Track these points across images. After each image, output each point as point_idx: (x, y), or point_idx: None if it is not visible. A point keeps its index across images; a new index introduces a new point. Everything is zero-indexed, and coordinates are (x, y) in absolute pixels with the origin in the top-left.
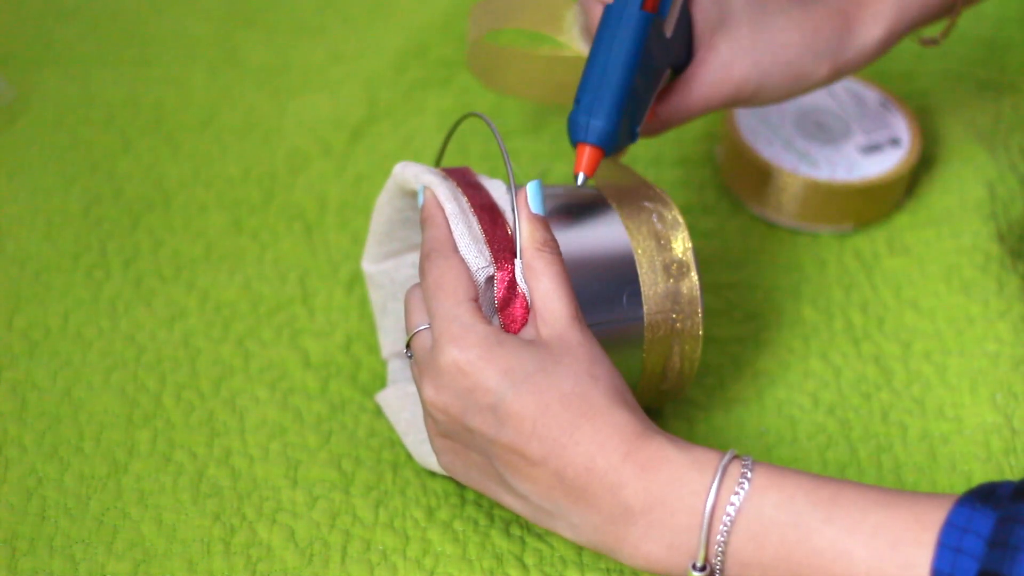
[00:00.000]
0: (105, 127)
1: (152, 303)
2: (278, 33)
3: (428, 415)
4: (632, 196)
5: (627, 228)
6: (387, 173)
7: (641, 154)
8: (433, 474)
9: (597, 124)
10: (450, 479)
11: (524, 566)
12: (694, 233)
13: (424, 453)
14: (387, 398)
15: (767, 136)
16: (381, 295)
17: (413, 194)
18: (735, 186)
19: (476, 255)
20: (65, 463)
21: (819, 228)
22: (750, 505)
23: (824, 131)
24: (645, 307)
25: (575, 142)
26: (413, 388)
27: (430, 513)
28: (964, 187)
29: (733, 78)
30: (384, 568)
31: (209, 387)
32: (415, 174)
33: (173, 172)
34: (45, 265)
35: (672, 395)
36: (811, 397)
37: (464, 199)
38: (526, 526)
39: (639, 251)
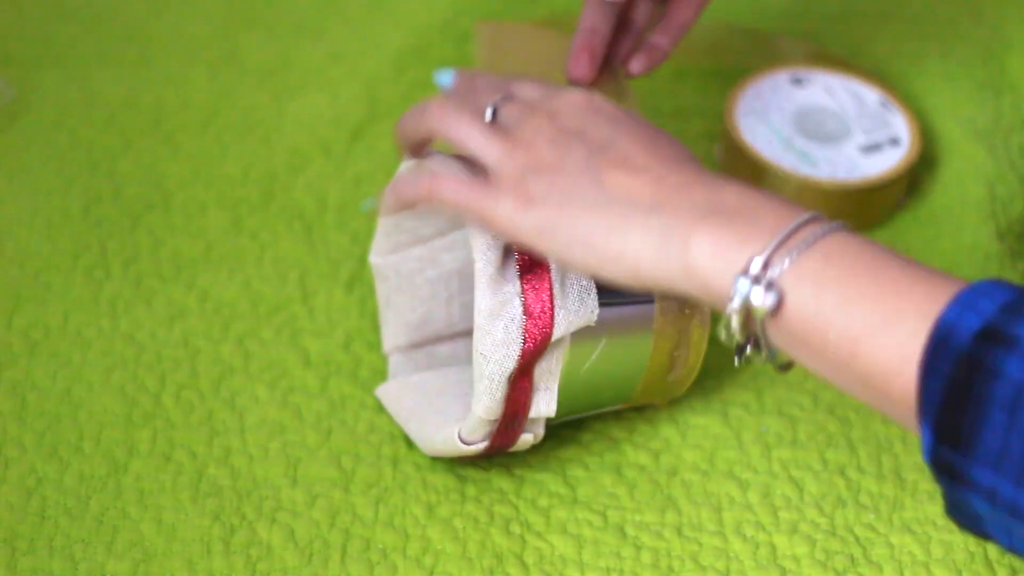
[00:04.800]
0: (105, 127)
1: (152, 303)
2: (278, 33)
3: (517, 138)
4: None
5: None
6: (387, 173)
7: None
8: (434, 469)
9: None
10: (449, 479)
11: (524, 565)
12: None
13: (427, 436)
14: (388, 390)
15: (767, 136)
16: (386, 288)
17: None
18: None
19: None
20: (65, 463)
21: None
22: (836, 236)
23: (824, 131)
24: None
25: None
26: (416, 378)
27: (430, 510)
28: (964, 186)
29: None
30: (384, 567)
31: (209, 387)
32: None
33: (173, 172)
34: (45, 265)
35: (676, 389)
36: (811, 396)
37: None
38: (526, 524)
39: None
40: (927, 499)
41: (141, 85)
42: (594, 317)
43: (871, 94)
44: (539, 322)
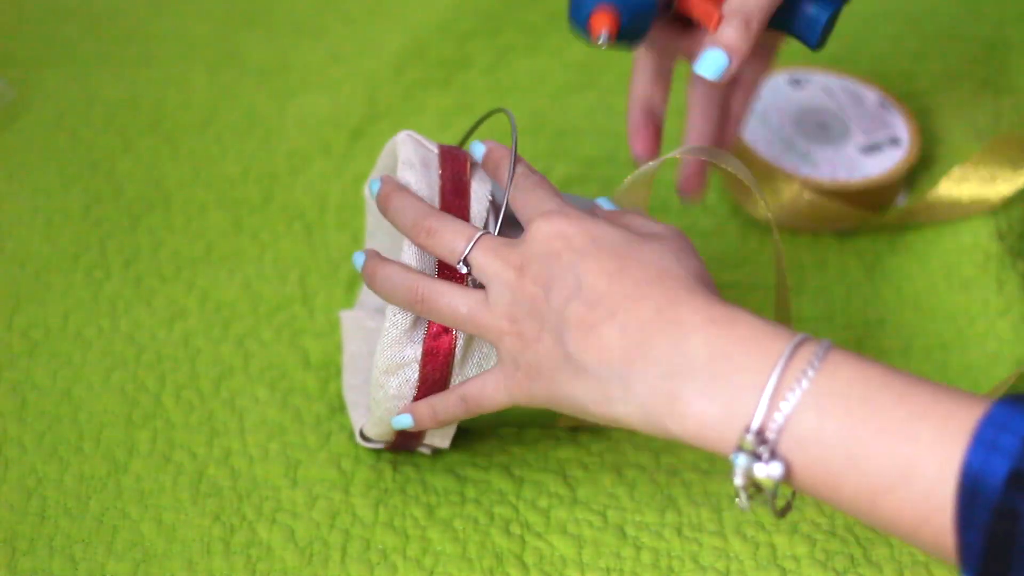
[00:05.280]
0: (105, 127)
1: (152, 303)
2: (278, 33)
3: (501, 313)
4: None
5: None
6: None
7: None
8: (434, 470)
9: None
10: (449, 481)
11: (524, 565)
12: (694, 233)
13: (347, 397)
14: (346, 320)
15: (767, 137)
16: (373, 220)
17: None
18: (734, 188)
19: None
20: (65, 463)
21: (819, 228)
22: (823, 375)
23: (824, 131)
24: None
25: (585, 16)
26: (367, 329)
27: (430, 511)
28: None
29: None
30: (384, 567)
31: (209, 387)
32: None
33: (173, 172)
34: (45, 265)
35: None
36: None
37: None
38: (526, 525)
39: None
40: None
41: (141, 85)
42: (492, 362)
43: (870, 94)
44: (432, 386)
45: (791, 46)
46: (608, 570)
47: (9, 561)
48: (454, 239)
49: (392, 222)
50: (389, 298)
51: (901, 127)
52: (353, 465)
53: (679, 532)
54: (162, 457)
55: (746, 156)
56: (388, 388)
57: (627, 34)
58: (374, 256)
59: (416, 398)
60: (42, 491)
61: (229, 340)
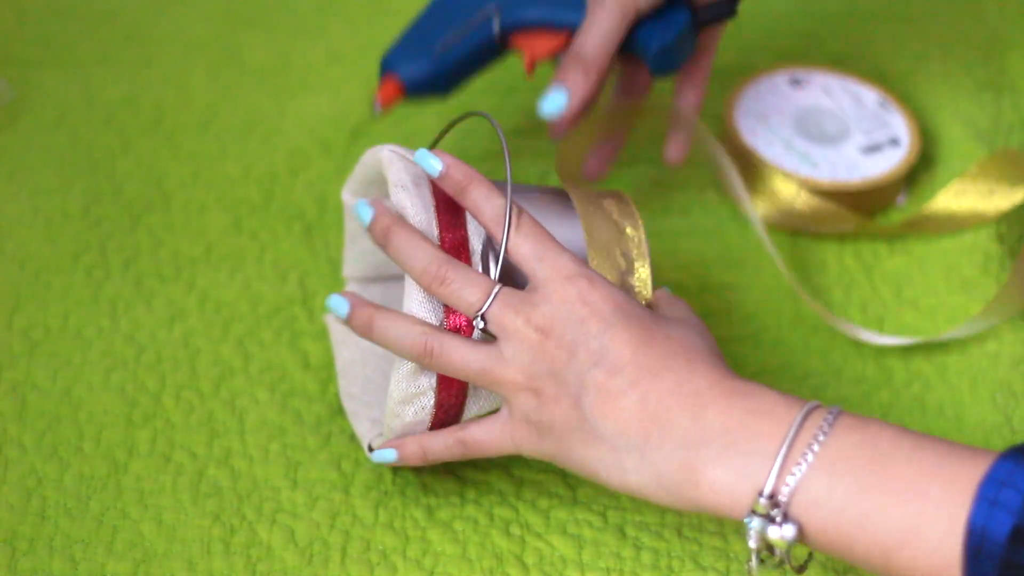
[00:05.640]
0: (105, 127)
1: (152, 303)
2: (278, 33)
3: (518, 369)
4: (597, 202)
5: (585, 231)
6: None
7: (640, 154)
8: (434, 472)
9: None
10: (449, 482)
11: (524, 565)
12: (694, 233)
13: (346, 406)
14: (335, 324)
15: (767, 137)
16: (353, 226)
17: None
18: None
19: (427, 315)
20: (65, 463)
21: (819, 229)
22: (832, 440)
23: (824, 132)
24: None
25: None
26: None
27: (430, 513)
28: None
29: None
30: (384, 568)
31: (209, 387)
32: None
33: (173, 172)
34: (45, 265)
35: None
36: (812, 396)
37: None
38: (526, 525)
39: (594, 260)
40: None
41: (141, 85)
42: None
43: (870, 94)
44: (448, 411)
45: (792, 47)
46: (608, 570)
47: (9, 561)
48: (471, 292)
49: (395, 260)
50: (392, 349)
51: (901, 127)
52: (353, 466)
53: (679, 532)
54: (162, 457)
55: (745, 156)
56: (404, 417)
57: (419, 95)
58: (363, 305)
59: (432, 424)
60: (42, 491)
61: (229, 341)
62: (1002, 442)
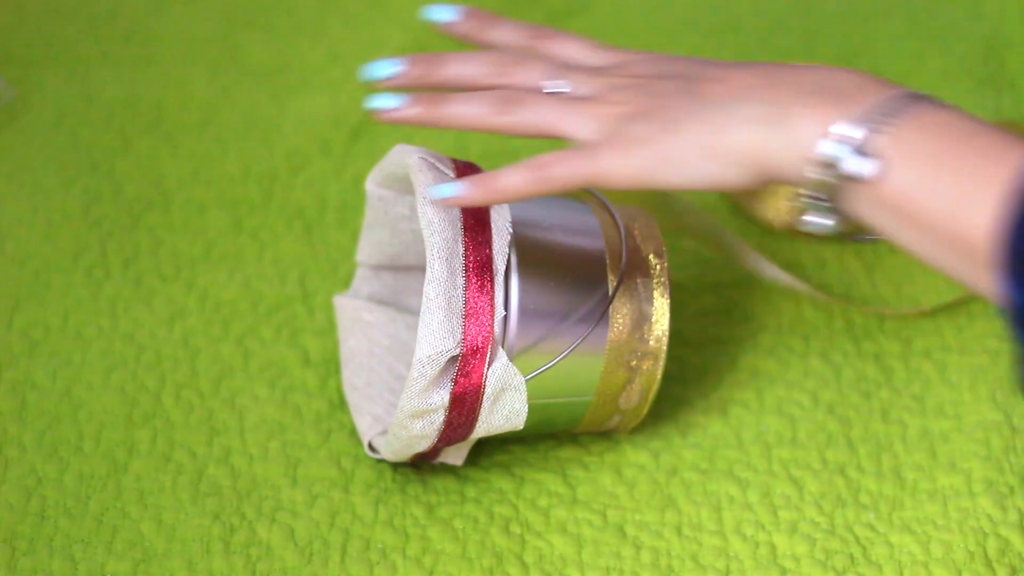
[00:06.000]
0: (105, 127)
1: (152, 303)
2: (278, 33)
3: (604, 107)
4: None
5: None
6: None
7: None
8: (434, 469)
9: None
10: (449, 480)
11: (524, 564)
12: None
13: (350, 399)
14: (343, 309)
15: None
16: (372, 215)
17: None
18: (734, 192)
19: (444, 335)
20: (65, 463)
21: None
22: (929, 108)
23: None
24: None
25: None
26: (366, 325)
27: (430, 511)
28: None
29: None
30: (384, 567)
31: (209, 386)
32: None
33: (173, 172)
34: (45, 265)
35: (629, 420)
36: (811, 396)
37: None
38: (526, 524)
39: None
40: (927, 499)
41: (141, 85)
42: (520, 423)
43: None
44: (456, 430)
45: (791, 46)
46: (608, 569)
47: (9, 561)
48: (538, 73)
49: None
50: (464, 123)
51: None
52: (353, 463)
53: (679, 532)
54: (162, 457)
55: None
56: (412, 429)
57: None
58: (422, 98)
59: (439, 440)
60: (42, 491)
61: (229, 339)
62: (1002, 441)
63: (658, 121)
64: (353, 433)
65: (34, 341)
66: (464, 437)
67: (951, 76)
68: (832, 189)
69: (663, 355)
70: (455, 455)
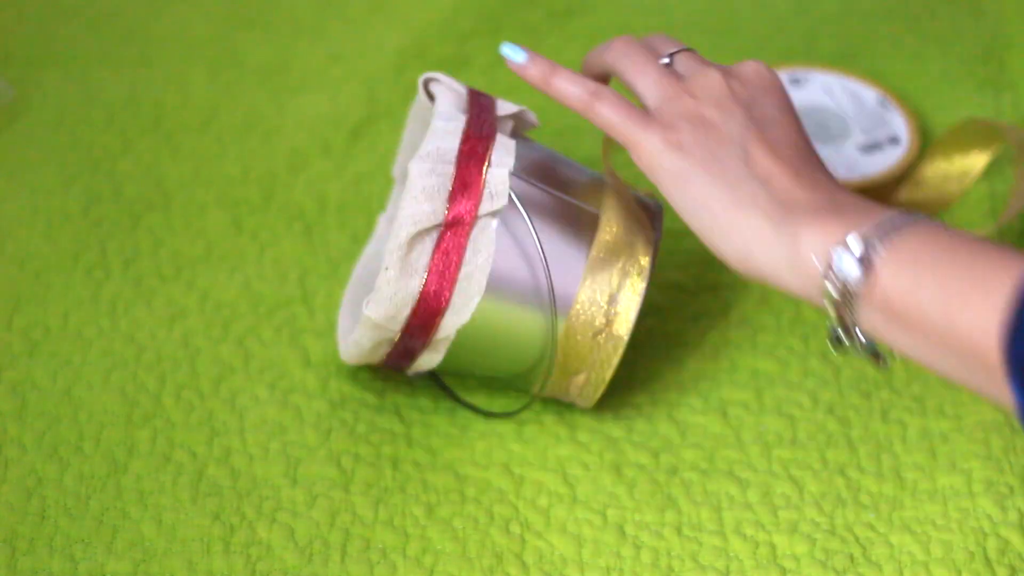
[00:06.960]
0: (105, 127)
1: (152, 303)
2: (278, 33)
3: (684, 94)
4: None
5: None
6: (387, 172)
7: None
8: (434, 469)
9: None
10: (448, 479)
11: (524, 564)
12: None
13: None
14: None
15: None
16: (396, 193)
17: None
18: None
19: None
20: (65, 463)
21: None
22: (924, 224)
23: (823, 131)
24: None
25: None
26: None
27: (430, 510)
28: None
29: None
30: (384, 566)
31: (209, 386)
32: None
33: (173, 172)
34: (45, 265)
35: (591, 388)
36: (810, 396)
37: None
38: (526, 524)
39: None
40: (927, 499)
41: (141, 85)
42: (481, 287)
43: (869, 93)
44: (442, 277)
45: (791, 46)
46: (608, 569)
47: (9, 561)
48: (664, 47)
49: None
50: (557, 99)
51: (901, 126)
52: (353, 463)
53: (679, 531)
54: (162, 457)
55: None
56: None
57: None
58: (540, 57)
59: (422, 299)
60: (42, 491)
61: (229, 340)
62: (1002, 441)
63: (704, 150)
64: (353, 432)
65: (34, 341)
66: (442, 303)
67: (951, 77)
68: (832, 300)
69: (633, 316)
70: (428, 362)
